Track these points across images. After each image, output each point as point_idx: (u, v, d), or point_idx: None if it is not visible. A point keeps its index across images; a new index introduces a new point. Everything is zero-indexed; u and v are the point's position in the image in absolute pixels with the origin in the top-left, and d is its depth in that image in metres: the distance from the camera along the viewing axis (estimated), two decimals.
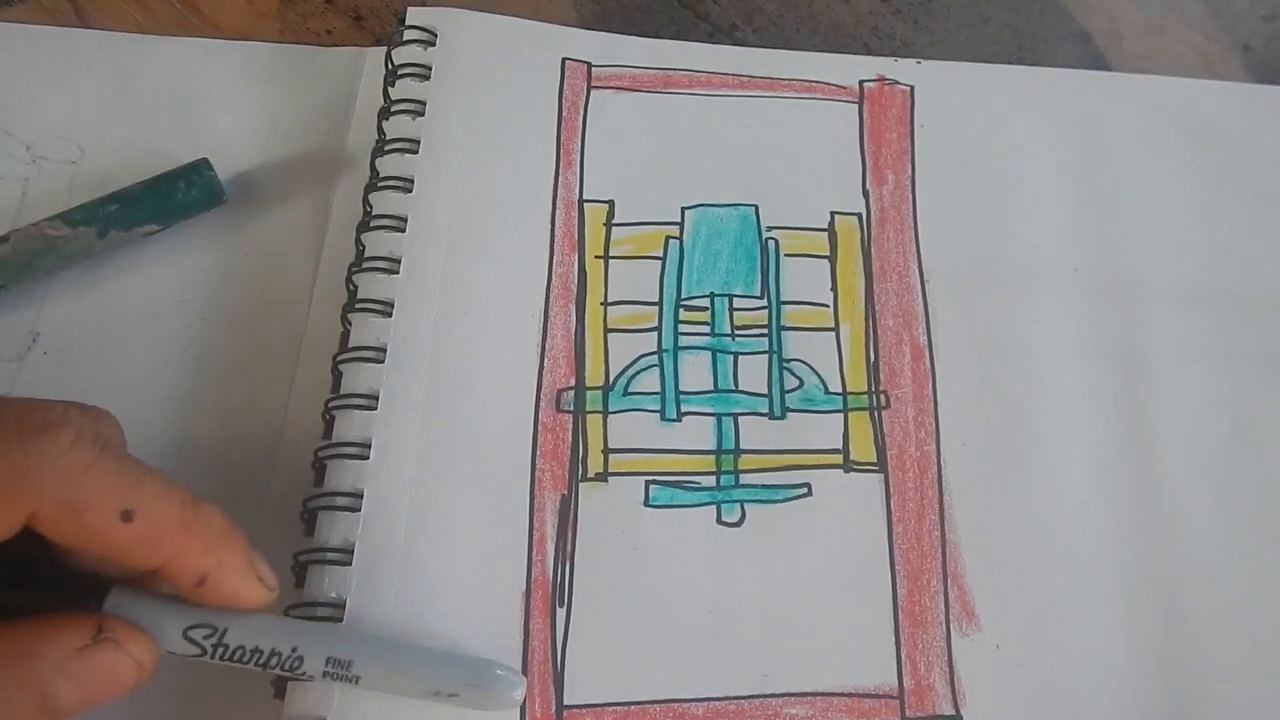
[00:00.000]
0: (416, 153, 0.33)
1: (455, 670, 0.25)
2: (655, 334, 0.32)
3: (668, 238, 0.34)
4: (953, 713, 0.28)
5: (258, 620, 0.24)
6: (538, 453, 0.30)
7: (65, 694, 0.20)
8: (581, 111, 0.35)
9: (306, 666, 0.24)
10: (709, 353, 0.32)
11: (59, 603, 0.22)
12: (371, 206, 0.33)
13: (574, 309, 0.32)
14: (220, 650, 0.23)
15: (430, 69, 0.35)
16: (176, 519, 0.21)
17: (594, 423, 0.31)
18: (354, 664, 0.24)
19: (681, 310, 0.33)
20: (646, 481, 0.30)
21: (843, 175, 0.35)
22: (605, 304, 0.33)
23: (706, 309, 0.33)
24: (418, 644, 0.27)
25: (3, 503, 0.19)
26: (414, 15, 0.36)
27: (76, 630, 0.21)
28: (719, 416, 0.31)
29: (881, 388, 0.32)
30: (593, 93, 0.36)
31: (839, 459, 0.31)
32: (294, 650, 0.24)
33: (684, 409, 0.31)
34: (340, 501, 0.28)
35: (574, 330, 0.32)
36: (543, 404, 0.31)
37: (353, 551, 0.28)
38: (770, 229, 0.34)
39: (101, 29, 0.37)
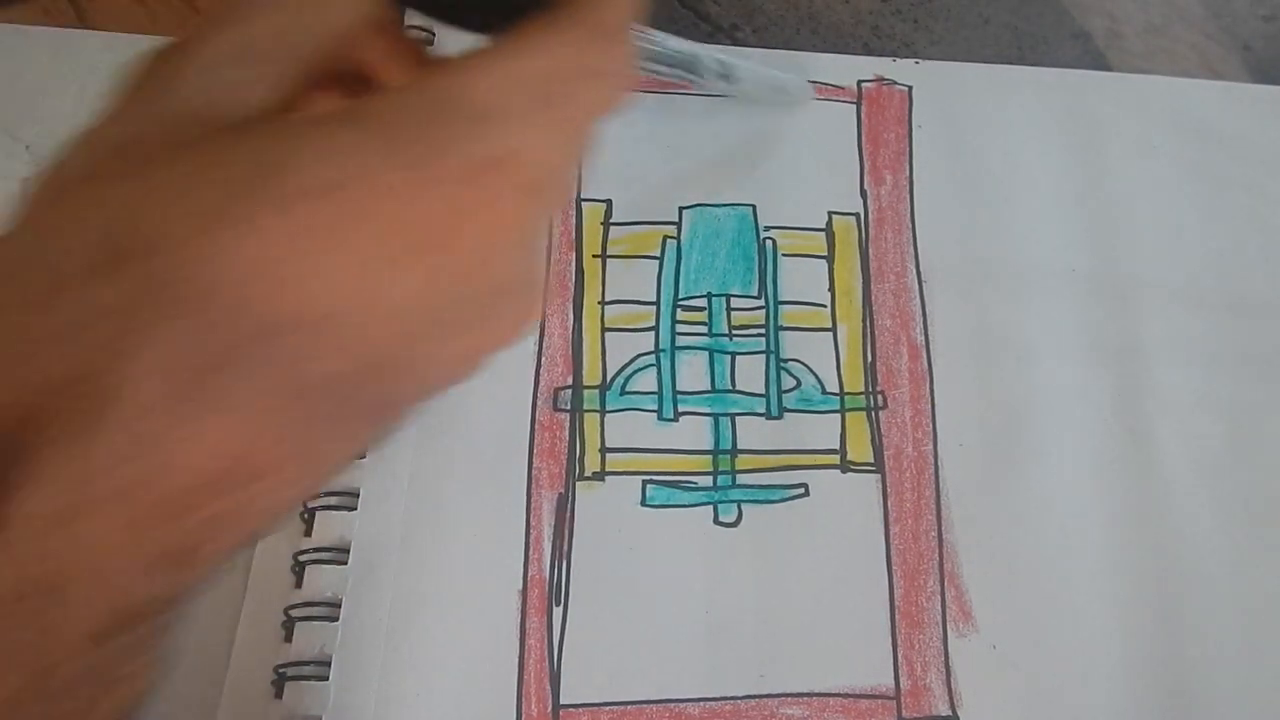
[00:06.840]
0: None
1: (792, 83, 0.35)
2: (653, 333, 0.32)
3: (665, 237, 0.34)
4: (949, 713, 0.28)
5: (667, 39, 0.31)
6: (535, 451, 0.30)
7: None
8: None
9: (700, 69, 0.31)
10: (706, 353, 0.32)
11: None
12: None
13: (571, 308, 0.32)
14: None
15: None
16: None
17: (591, 422, 0.31)
18: (735, 69, 0.32)
19: (679, 310, 0.33)
20: (643, 481, 0.30)
21: (840, 175, 0.35)
22: (603, 303, 0.33)
23: (704, 309, 0.33)
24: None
25: None
26: (412, 15, 0.35)
27: None
28: (716, 416, 0.31)
29: (879, 388, 0.32)
30: None
31: (836, 459, 0.31)
32: (694, 54, 0.31)
33: (681, 409, 0.31)
34: (335, 501, 0.28)
35: (571, 329, 0.32)
36: (540, 403, 0.31)
37: (349, 550, 0.28)
38: (768, 229, 0.34)
39: (102, 29, 0.37)
